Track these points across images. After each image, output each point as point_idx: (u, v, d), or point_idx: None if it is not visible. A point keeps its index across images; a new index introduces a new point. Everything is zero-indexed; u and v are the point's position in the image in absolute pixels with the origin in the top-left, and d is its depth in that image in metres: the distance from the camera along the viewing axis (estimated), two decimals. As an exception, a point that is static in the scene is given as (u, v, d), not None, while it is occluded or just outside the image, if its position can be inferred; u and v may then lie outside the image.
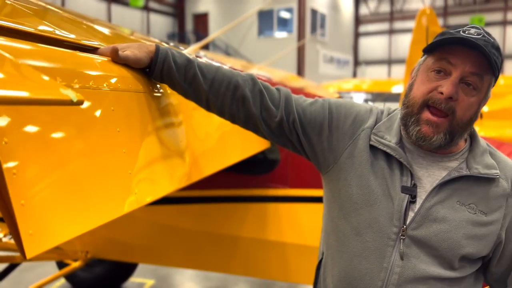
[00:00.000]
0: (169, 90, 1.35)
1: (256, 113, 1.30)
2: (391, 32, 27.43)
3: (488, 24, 24.10)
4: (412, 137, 1.18)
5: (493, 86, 1.18)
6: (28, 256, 0.67)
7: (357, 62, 28.55)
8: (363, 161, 1.24)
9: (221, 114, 1.35)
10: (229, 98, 1.29)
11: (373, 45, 27.88)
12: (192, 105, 1.37)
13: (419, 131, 1.16)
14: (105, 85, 1.01)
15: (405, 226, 1.17)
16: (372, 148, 1.24)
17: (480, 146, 1.24)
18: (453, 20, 25.76)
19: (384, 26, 27.83)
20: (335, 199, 1.29)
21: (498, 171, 1.19)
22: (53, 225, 0.75)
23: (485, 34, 1.13)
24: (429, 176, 1.20)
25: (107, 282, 4.24)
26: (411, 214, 1.17)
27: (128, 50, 1.19)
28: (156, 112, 1.25)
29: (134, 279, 4.50)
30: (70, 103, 0.59)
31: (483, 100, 1.17)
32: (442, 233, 1.15)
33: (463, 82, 1.13)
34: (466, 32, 1.12)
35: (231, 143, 1.88)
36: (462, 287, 1.20)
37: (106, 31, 1.71)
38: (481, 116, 5.52)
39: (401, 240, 1.16)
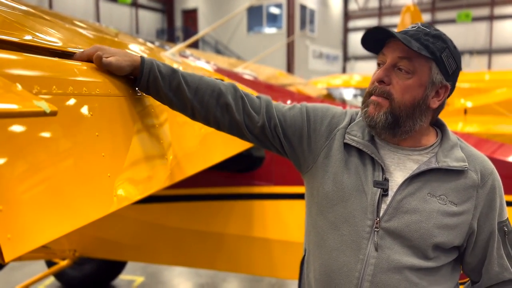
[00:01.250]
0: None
1: (240, 120, 1.34)
2: (380, 27, 27.52)
3: (475, 19, 24.29)
4: (366, 122, 1.26)
5: (442, 70, 1.22)
6: (6, 260, 0.69)
7: (346, 58, 28.63)
8: (338, 160, 1.30)
9: (206, 122, 1.38)
10: (213, 106, 1.32)
11: (362, 41, 27.92)
12: None
13: (366, 112, 1.26)
14: (84, 90, 1.03)
15: (378, 219, 1.22)
16: (346, 146, 1.31)
17: (450, 140, 1.30)
18: (441, 15, 25.94)
19: (373, 21, 27.92)
20: (313, 197, 1.35)
21: (466, 164, 1.24)
22: (31, 228, 0.77)
23: (423, 27, 1.21)
24: (400, 170, 1.26)
25: (97, 280, 4.26)
26: (383, 207, 1.23)
27: (112, 57, 1.21)
28: (136, 115, 1.27)
29: (123, 276, 4.51)
30: (43, 114, 0.61)
31: (429, 84, 1.22)
32: (414, 224, 1.20)
33: (397, 68, 1.21)
34: (407, 28, 1.24)
35: (214, 142, 1.90)
36: (437, 277, 1.25)
37: (89, 34, 1.72)
38: (465, 112, 5.57)
39: (375, 232, 1.22)
